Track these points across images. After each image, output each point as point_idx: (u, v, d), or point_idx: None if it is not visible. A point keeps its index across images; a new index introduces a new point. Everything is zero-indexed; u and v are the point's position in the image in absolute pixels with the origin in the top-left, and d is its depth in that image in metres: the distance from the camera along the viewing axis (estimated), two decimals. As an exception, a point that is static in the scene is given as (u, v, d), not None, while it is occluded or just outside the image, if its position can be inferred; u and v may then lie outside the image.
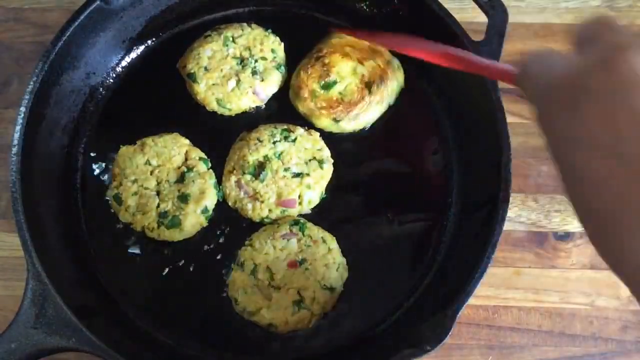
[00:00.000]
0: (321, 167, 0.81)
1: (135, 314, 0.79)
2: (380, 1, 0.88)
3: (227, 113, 0.85)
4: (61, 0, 0.93)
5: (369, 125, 0.85)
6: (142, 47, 0.90)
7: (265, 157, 0.81)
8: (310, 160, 0.82)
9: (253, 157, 0.81)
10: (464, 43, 0.79)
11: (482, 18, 0.80)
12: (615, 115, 0.40)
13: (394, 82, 0.85)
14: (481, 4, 0.80)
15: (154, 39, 0.91)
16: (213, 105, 0.85)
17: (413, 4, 0.84)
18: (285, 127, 0.83)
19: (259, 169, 0.81)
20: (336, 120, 0.83)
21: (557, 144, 0.45)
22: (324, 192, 0.82)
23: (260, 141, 0.82)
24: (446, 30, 0.81)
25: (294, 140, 0.82)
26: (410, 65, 0.87)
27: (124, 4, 0.84)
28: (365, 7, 0.90)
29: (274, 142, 0.82)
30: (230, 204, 0.81)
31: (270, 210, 0.80)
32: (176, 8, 0.90)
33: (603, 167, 0.40)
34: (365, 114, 0.84)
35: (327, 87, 0.83)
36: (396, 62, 0.86)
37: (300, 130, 0.83)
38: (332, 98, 0.83)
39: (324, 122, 0.83)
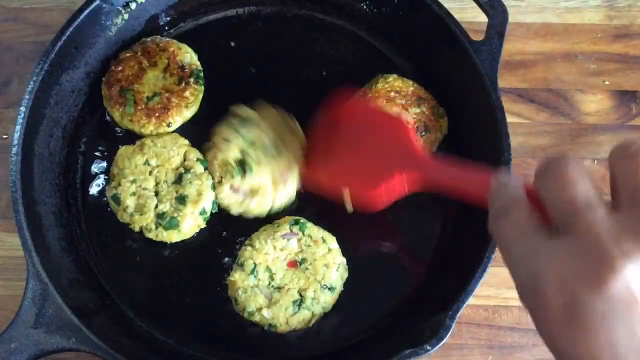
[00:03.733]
0: (292, 133, 0.81)
1: (135, 314, 0.79)
2: (380, 1, 0.88)
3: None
4: (61, 0, 0.93)
5: None
6: (142, 47, 0.90)
7: (242, 150, 0.80)
8: (280, 131, 0.80)
9: (231, 157, 0.79)
10: (463, 44, 0.79)
11: (482, 18, 0.80)
12: (614, 339, 0.39)
13: (438, 131, 0.82)
14: (481, 3, 0.80)
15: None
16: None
17: (413, 3, 0.84)
18: (233, 115, 0.81)
19: (242, 165, 0.79)
20: None
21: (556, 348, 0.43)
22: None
23: (227, 140, 0.80)
24: (446, 30, 0.81)
25: (254, 123, 0.81)
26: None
27: (124, 3, 0.84)
28: (365, 7, 0.90)
29: (239, 133, 0.80)
30: (233, 212, 0.80)
31: (273, 199, 0.79)
32: (176, 7, 0.90)
33: None
34: None
35: None
36: (441, 110, 0.83)
37: (246, 110, 0.81)
38: None
39: None
